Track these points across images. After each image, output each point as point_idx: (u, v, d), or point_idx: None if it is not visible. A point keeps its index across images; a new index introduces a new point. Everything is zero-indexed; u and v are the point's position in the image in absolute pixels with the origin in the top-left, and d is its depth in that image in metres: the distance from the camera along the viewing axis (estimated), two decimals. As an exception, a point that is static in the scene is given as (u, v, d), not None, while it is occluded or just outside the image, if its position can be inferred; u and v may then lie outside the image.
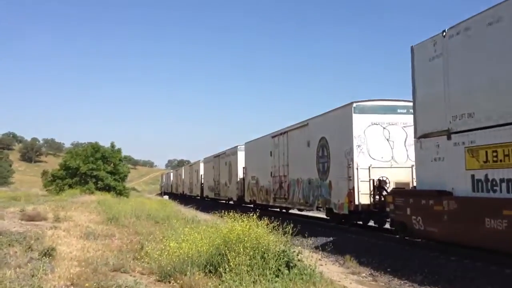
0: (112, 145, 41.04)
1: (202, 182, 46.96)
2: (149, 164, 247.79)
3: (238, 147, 32.71)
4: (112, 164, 39.78)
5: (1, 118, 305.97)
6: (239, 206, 29.27)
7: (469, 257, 10.82)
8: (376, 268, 11.60)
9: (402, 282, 10.24)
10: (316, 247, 14.81)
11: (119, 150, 41.05)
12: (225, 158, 36.62)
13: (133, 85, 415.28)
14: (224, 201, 37.77)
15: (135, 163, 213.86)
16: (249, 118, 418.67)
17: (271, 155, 24.32)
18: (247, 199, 29.71)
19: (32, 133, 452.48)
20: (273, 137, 24.21)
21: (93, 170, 37.73)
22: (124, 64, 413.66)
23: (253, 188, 28.02)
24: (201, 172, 47.01)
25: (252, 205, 28.74)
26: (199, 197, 48.56)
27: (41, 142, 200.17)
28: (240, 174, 31.88)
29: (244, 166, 31.15)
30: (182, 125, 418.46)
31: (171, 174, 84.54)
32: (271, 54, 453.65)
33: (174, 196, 62.22)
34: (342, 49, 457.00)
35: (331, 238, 15.76)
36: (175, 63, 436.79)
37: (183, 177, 63.13)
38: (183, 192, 61.59)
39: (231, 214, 9.72)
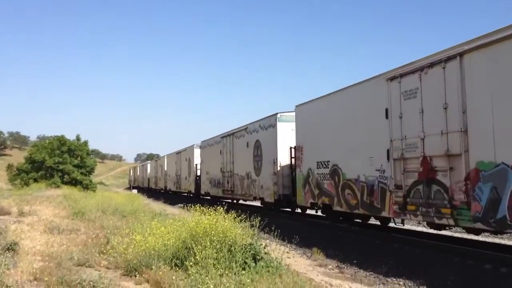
0: (78, 138, 40.21)
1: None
2: (117, 158, 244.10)
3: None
4: (78, 158, 38.99)
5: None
6: (197, 198, 34.06)
7: (432, 248, 11.12)
8: (343, 260, 11.80)
9: (367, 273, 10.45)
10: (283, 240, 14.93)
11: (85, 143, 40.28)
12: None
13: (101, 76, 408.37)
14: (185, 194, 41.09)
15: (103, 157, 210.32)
16: (224, 109, 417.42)
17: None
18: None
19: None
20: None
21: (59, 163, 36.91)
22: (93, 53, 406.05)
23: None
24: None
25: (208, 197, 32.14)
26: (163, 191, 51.94)
27: (6, 135, 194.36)
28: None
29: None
30: (153, 119, 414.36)
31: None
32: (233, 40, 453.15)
33: (141, 189, 64.22)
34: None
35: (300, 232, 15.94)
36: (148, 54, 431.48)
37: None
38: (148, 185, 65.31)
39: (197, 207, 9.71)
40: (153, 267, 7.67)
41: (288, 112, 19.37)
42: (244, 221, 9.14)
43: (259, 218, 9.18)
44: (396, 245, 12.16)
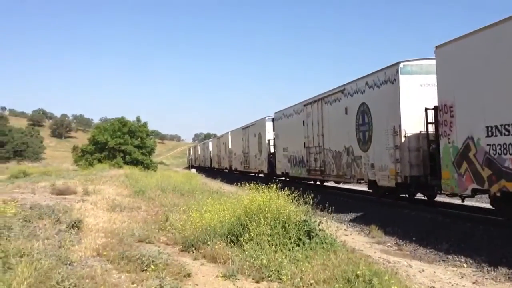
0: (138, 119, 41.44)
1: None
2: (176, 138, 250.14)
3: (266, 117, 31.67)
4: (139, 138, 40.23)
5: (31, 96, 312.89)
6: (270, 179, 27.20)
7: (498, 225, 10.64)
8: (402, 238, 11.56)
9: (427, 250, 10.20)
10: (342, 218, 14.85)
11: (145, 124, 41.46)
12: (254, 130, 35.15)
13: (159, 61, 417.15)
14: (253, 174, 36.79)
15: (163, 137, 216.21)
16: (278, 90, 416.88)
17: (303, 125, 23.10)
18: (278, 171, 28.77)
19: (62, 109, 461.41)
20: (305, 105, 22.98)
21: (121, 144, 38.27)
22: (150, 39, 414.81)
23: (285, 160, 26.90)
24: (230, 144, 45.95)
25: (283, 178, 28.05)
26: (227, 170, 48.04)
27: (71, 118, 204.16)
28: (270, 146, 30.91)
29: (273, 137, 30.03)
30: (209, 99, 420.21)
31: (198, 147, 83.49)
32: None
33: (202, 169, 62.10)
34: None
35: (358, 209, 15.76)
36: (203, 37, 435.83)
37: (210, 150, 61.94)
38: (211, 165, 60.91)
39: (252, 185, 9.77)
40: (209, 243, 7.83)
41: (415, 60, 14.31)
42: (298, 198, 9.09)
43: (312, 195, 9.11)
44: (460, 221, 11.74)
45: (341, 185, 23.52)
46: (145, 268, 6.41)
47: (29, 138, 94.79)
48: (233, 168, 44.62)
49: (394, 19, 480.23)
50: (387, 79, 14.94)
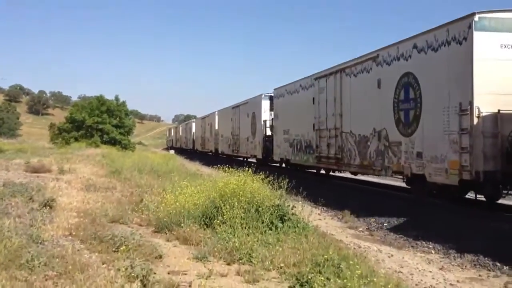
0: (117, 98, 40.96)
1: (194, 137, 45.86)
2: (156, 119, 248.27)
3: (263, 95, 28.10)
4: (117, 118, 39.81)
5: (8, 70, 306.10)
6: (265, 165, 24.75)
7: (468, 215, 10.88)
8: (373, 223, 11.77)
9: (397, 236, 10.42)
10: (315, 202, 14.98)
11: (123, 103, 41.02)
12: (247, 109, 31.35)
13: (141, 38, 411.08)
14: (242, 158, 33.03)
15: (142, 117, 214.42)
16: (265, 74, 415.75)
17: (313, 103, 19.37)
18: (276, 157, 25.33)
19: (39, 86, 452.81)
20: (317, 79, 19.30)
21: (99, 123, 37.80)
22: (131, 15, 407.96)
23: (287, 144, 23.29)
24: (216, 125, 42.50)
25: (282, 165, 25.52)
26: (211, 153, 45.18)
27: (48, 95, 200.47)
28: (266, 128, 27.42)
29: (271, 117, 26.60)
30: (189, 80, 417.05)
31: (180, 128, 78.55)
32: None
33: (183, 152, 58.45)
34: None
35: (331, 193, 15.90)
36: (183, 13, 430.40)
37: (193, 131, 57.79)
38: (193, 147, 57.05)
39: (226, 168, 9.83)
40: (182, 225, 7.88)
41: (495, 12, 10.62)
42: (273, 182, 9.18)
43: (287, 180, 9.21)
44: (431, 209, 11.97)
45: (367, 178, 19.59)
46: (117, 248, 6.44)
47: (5, 114, 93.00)
48: (220, 151, 41.31)
49: None
50: (452, 38, 11.05)
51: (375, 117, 14.57)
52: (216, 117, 42.50)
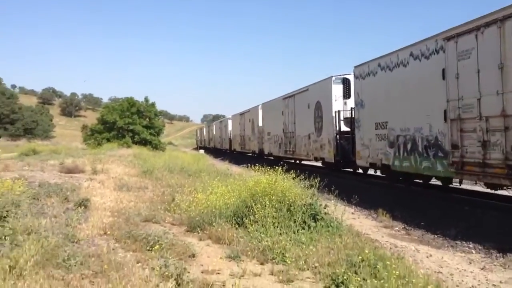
0: (146, 100, 41.45)
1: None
2: (185, 119, 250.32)
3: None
4: (147, 119, 40.32)
5: (41, 74, 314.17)
6: (260, 158, 33.41)
7: (509, 211, 10.52)
8: (410, 222, 11.50)
9: (435, 236, 10.15)
10: (349, 201, 14.74)
11: (153, 104, 41.46)
12: (308, 98, 25.19)
13: (169, 41, 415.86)
14: (249, 154, 39.77)
15: (171, 117, 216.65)
16: (285, 73, 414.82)
17: (444, 78, 12.53)
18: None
19: (71, 88, 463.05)
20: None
21: (129, 124, 38.38)
22: (159, 19, 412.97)
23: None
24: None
25: (271, 157, 31.22)
26: (228, 151, 50.77)
27: (80, 97, 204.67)
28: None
29: (349, 106, 20.20)
30: (217, 80, 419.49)
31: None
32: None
33: (207, 149, 65.68)
34: None
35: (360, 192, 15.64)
36: (210, 17, 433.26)
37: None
38: (214, 146, 64.95)
39: (257, 167, 9.76)
40: (214, 224, 7.86)
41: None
42: (304, 181, 9.08)
43: (318, 178, 9.09)
44: (467, 208, 11.61)
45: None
46: (151, 247, 6.46)
47: (39, 116, 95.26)
48: (233, 149, 44.34)
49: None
50: None
51: None
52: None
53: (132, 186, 12.97)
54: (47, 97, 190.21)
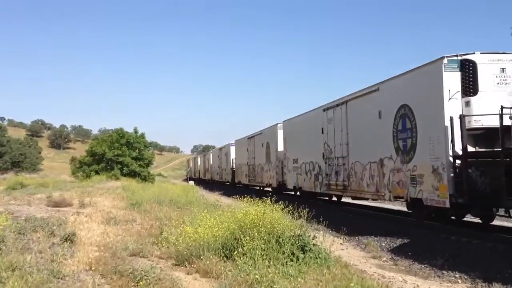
0: (136, 130, 41.33)
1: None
2: (175, 150, 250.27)
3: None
4: (137, 150, 40.13)
5: (30, 106, 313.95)
6: (279, 193, 24.94)
7: (492, 240, 10.61)
8: (397, 253, 11.51)
9: (422, 266, 10.15)
10: (337, 231, 14.74)
11: (142, 135, 41.29)
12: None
13: (158, 73, 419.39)
14: (259, 188, 33.26)
15: (161, 149, 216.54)
16: (281, 103, 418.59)
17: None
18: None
19: (61, 120, 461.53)
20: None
21: (119, 156, 38.08)
22: (148, 52, 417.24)
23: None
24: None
25: (295, 193, 25.14)
26: (229, 183, 44.44)
27: (69, 129, 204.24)
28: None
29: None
30: (208, 111, 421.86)
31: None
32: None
33: (201, 182, 58.12)
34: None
35: (351, 222, 15.67)
36: (199, 49, 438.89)
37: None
38: (211, 178, 57.06)
39: (245, 198, 9.76)
40: (202, 257, 7.81)
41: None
42: (292, 212, 9.08)
43: (307, 209, 9.10)
44: (453, 237, 11.68)
45: None
46: (137, 283, 6.39)
47: (27, 149, 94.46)
48: (236, 181, 40.45)
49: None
50: None
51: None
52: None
53: (120, 219, 12.86)
54: (36, 129, 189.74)
